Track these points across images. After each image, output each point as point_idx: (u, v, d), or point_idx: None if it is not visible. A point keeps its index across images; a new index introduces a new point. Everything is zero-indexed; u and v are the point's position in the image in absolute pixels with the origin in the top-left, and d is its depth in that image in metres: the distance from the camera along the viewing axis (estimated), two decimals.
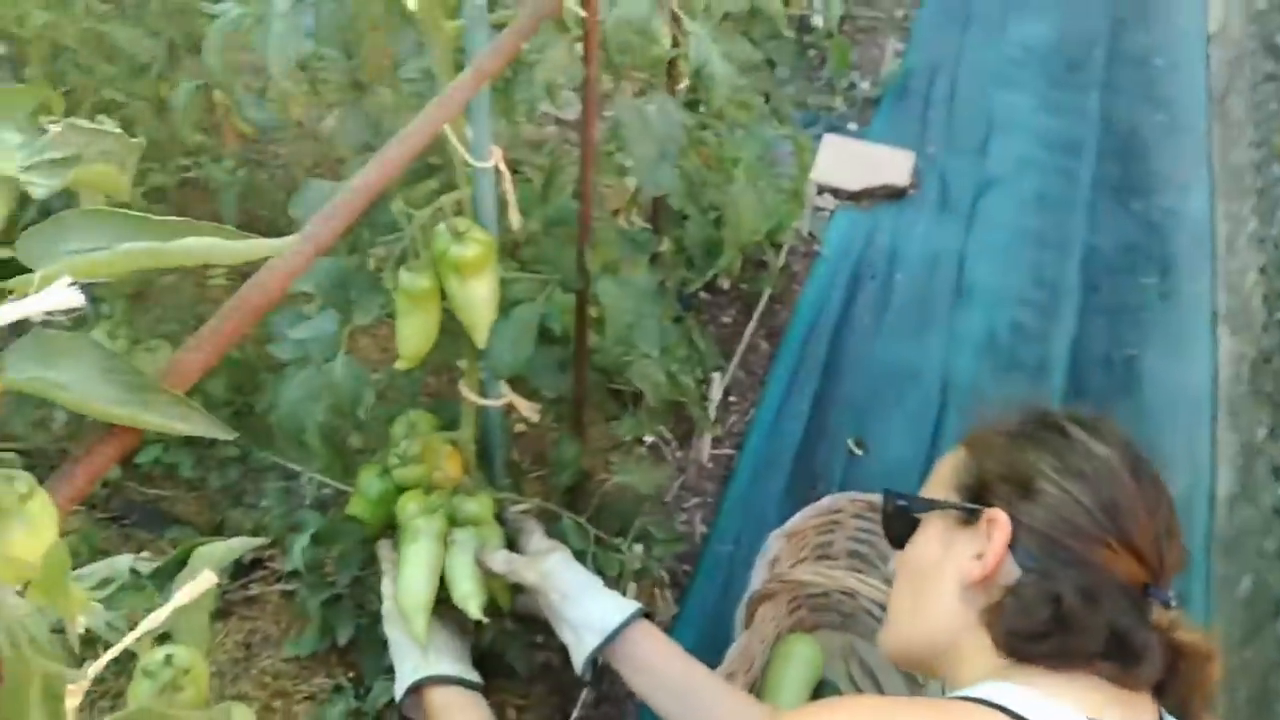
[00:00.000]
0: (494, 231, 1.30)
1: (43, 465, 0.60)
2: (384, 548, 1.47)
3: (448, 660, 1.34)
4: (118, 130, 0.71)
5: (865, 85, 3.32)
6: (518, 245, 1.60)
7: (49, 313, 0.62)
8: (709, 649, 1.44)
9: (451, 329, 1.34)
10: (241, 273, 0.80)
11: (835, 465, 2.16)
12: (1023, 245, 2.70)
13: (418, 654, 1.33)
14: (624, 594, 1.64)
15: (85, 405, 0.56)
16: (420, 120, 0.99)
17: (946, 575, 0.93)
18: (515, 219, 1.33)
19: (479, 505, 1.44)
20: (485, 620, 1.39)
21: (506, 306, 1.38)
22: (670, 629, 1.83)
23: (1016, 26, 3.58)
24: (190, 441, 1.94)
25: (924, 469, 1.07)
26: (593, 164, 1.33)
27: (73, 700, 0.57)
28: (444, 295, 1.30)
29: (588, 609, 1.30)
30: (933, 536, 0.97)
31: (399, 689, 1.32)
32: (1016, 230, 2.75)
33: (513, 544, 1.46)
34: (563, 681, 1.70)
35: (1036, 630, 0.86)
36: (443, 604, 1.39)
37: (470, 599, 1.37)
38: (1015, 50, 3.47)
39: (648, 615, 1.33)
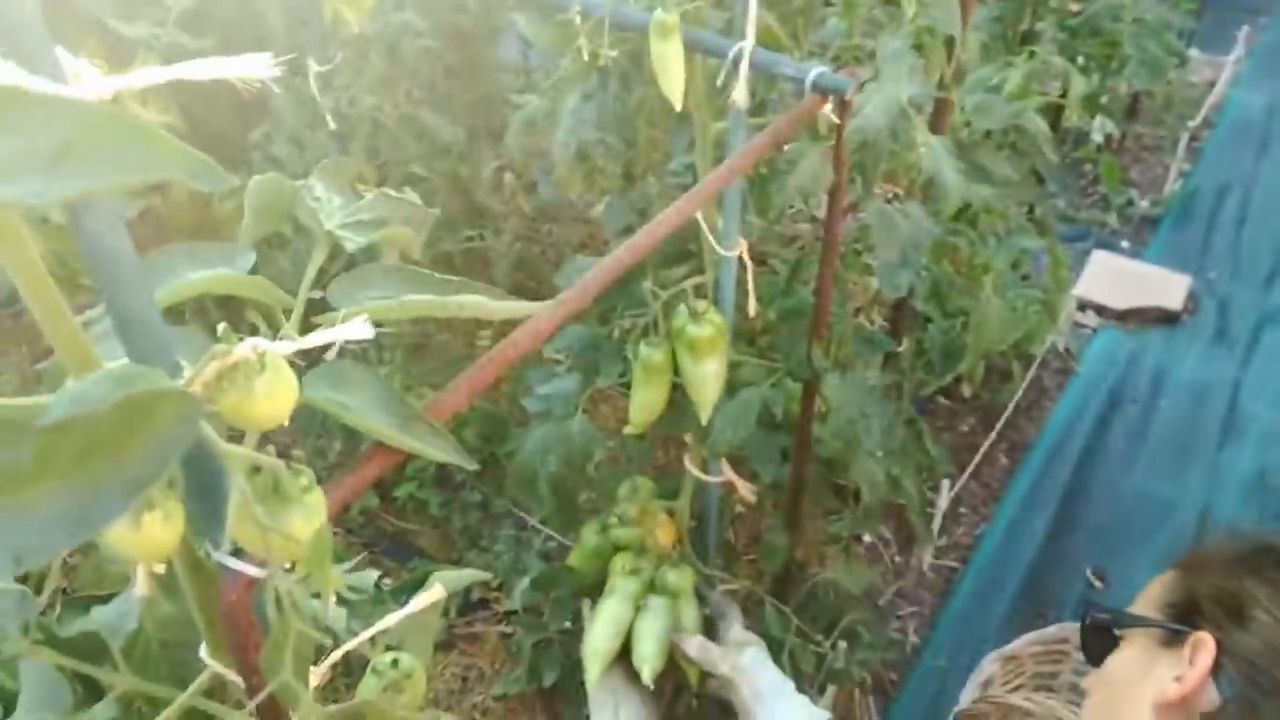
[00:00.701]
0: (730, 317, 1.37)
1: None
2: (587, 607, 1.54)
3: None
4: (418, 201, 0.84)
5: (1144, 204, 3.18)
6: (757, 333, 1.66)
7: (345, 346, 0.75)
8: None
9: (680, 404, 1.42)
10: (505, 336, 0.91)
11: (1069, 594, 2.05)
12: None
13: (610, 712, 1.38)
14: (822, 693, 1.63)
15: (361, 423, 0.67)
16: (672, 210, 1.08)
17: (1142, 698, 0.89)
18: (753, 307, 1.40)
19: (680, 577, 1.49)
20: (651, 687, 1.42)
21: (735, 388, 1.44)
22: None
23: None
24: (440, 482, 2.12)
25: None
26: (833, 264, 1.38)
27: (314, 680, 0.67)
28: (676, 371, 1.38)
29: (777, 713, 1.30)
30: (1132, 656, 0.94)
31: None
32: None
33: (710, 625, 1.49)
34: None
35: None
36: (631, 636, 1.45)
37: (645, 663, 1.41)
38: None
39: None
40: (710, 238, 1.31)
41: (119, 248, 0.53)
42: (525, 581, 1.60)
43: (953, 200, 1.38)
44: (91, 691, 0.89)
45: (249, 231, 0.79)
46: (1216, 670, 0.86)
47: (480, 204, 2.18)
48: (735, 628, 1.46)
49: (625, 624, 1.44)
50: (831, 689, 1.67)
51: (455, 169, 2.18)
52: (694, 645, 1.42)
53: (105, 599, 0.88)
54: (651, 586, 1.47)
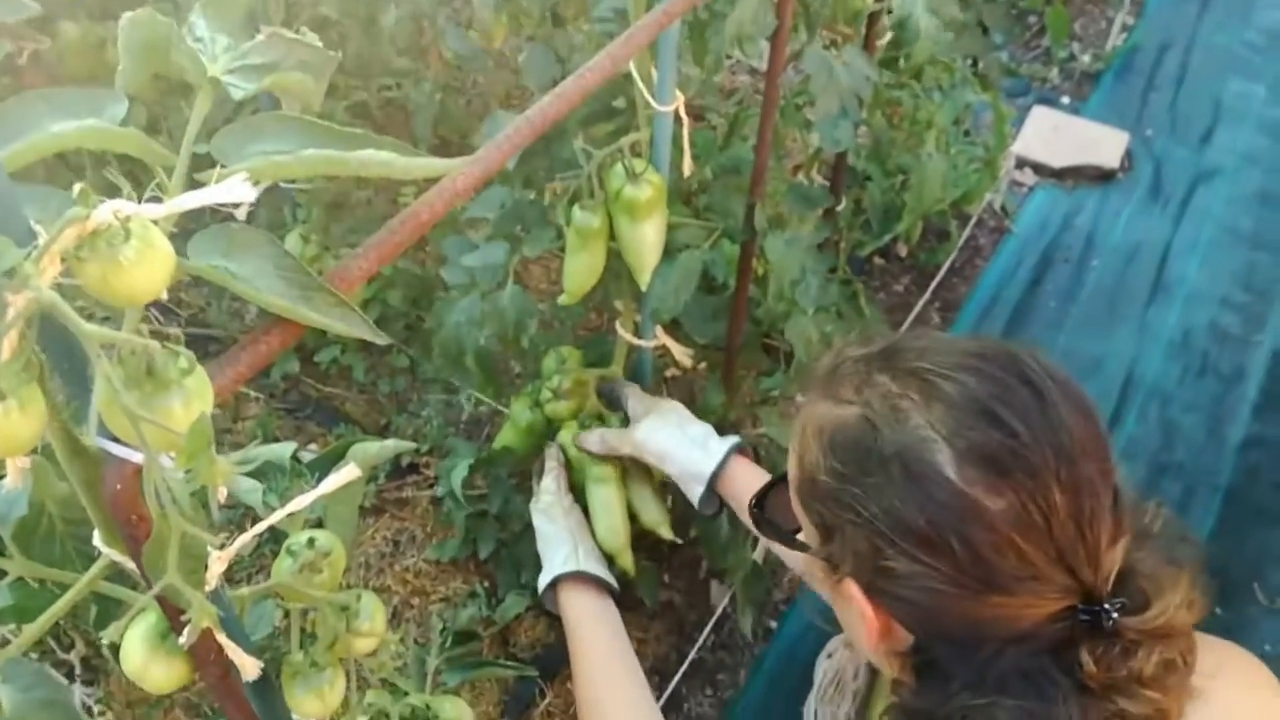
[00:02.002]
0: (667, 176, 1.30)
1: None
2: (552, 449, 1.50)
3: (596, 564, 1.37)
4: (317, 43, 0.75)
5: (1086, 58, 3.12)
6: (692, 193, 1.60)
7: (252, 206, 0.67)
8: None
9: (613, 268, 1.36)
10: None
11: None
12: (1235, 245, 2.50)
13: (570, 548, 1.36)
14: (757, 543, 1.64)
15: (254, 295, 0.60)
16: (601, 57, 1.00)
17: (860, 634, 0.79)
18: (688, 165, 1.34)
19: None
20: (679, 541, 1.51)
21: (673, 251, 1.39)
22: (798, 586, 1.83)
23: (1263, 11, 3.27)
24: (365, 347, 2.06)
25: None
26: (773, 116, 1.31)
27: (218, 566, 0.62)
28: (612, 235, 1.32)
29: (683, 464, 1.32)
30: (813, 563, 0.82)
31: (547, 576, 1.33)
32: (1230, 228, 2.54)
33: (620, 406, 1.50)
34: (684, 622, 1.73)
35: (936, 711, 0.73)
36: (589, 517, 1.45)
37: (660, 524, 1.51)
38: (1257, 36, 3.17)
39: (741, 450, 1.33)
40: (644, 90, 1.23)
41: None
42: (462, 468, 1.57)
43: (924, 47, 1.30)
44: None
45: (125, 76, 0.70)
46: (890, 610, 0.74)
47: (399, 49, 2.04)
48: (633, 401, 1.46)
49: (625, 504, 1.46)
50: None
51: (370, 10, 2.02)
52: (593, 441, 1.43)
53: None
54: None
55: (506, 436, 1.53)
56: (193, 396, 0.49)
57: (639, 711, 1.16)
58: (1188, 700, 0.73)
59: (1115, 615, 0.70)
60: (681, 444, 1.34)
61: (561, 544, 1.36)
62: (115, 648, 0.94)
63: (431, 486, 1.87)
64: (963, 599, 0.70)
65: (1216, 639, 0.83)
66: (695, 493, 1.32)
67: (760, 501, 1.00)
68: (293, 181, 1.84)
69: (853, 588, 0.76)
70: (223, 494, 0.50)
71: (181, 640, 0.54)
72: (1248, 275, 2.42)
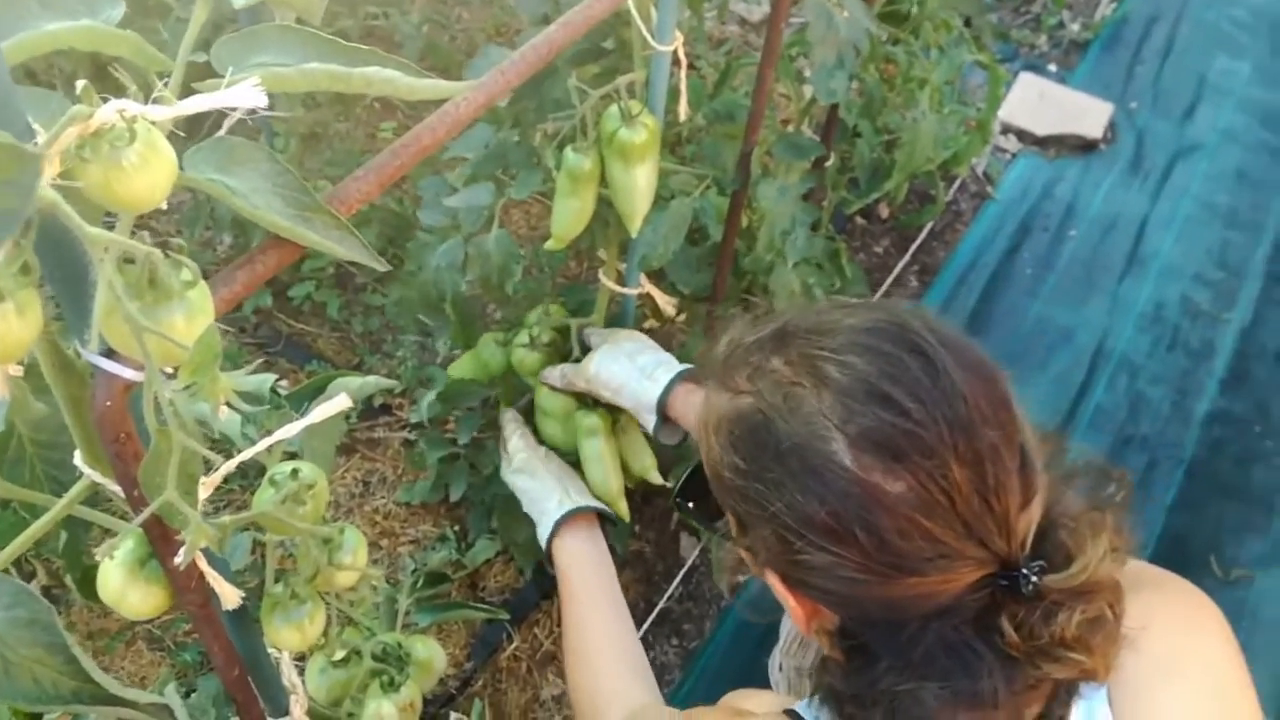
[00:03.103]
0: (662, 119, 1.28)
1: None
2: (508, 414, 1.49)
3: (588, 498, 1.35)
4: None
5: (1075, 27, 3.11)
6: (679, 141, 1.57)
7: (232, 130, 0.64)
8: None
9: (600, 214, 1.33)
10: (410, 129, 0.81)
11: None
12: (1211, 221, 2.52)
13: (560, 493, 1.34)
14: None
15: (252, 212, 0.58)
16: None
17: (781, 602, 0.79)
18: (684, 109, 1.31)
19: None
20: (668, 485, 1.49)
21: (662, 199, 1.37)
22: None
23: None
24: (340, 284, 2.02)
25: None
26: (774, 61, 1.28)
27: (203, 491, 0.60)
28: (603, 180, 1.29)
29: (635, 395, 1.29)
30: (739, 549, 0.82)
31: (547, 527, 1.29)
32: (1207, 204, 2.56)
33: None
34: (652, 573, 1.74)
35: (864, 695, 0.73)
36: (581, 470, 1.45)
37: (649, 470, 1.51)
38: (1244, 14, 3.18)
39: (693, 376, 1.30)
40: (643, 28, 1.20)
41: None
42: (432, 393, 1.54)
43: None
44: None
45: None
46: (812, 595, 0.74)
47: None
48: (594, 337, 1.44)
49: (617, 454, 1.45)
50: None
51: None
52: (554, 376, 1.42)
53: None
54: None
55: (464, 366, 1.51)
56: (195, 310, 0.47)
57: (628, 660, 1.16)
58: (1118, 652, 0.72)
59: (1035, 579, 0.68)
60: (631, 375, 1.31)
61: (550, 493, 1.34)
62: (80, 577, 0.92)
63: (404, 428, 1.85)
64: (877, 584, 0.69)
65: (1166, 574, 0.83)
66: (649, 423, 1.29)
67: (685, 488, 0.99)
68: (270, 109, 1.78)
69: (773, 577, 0.76)
70: (223, 412, 0.48)
71: (177, 560, 0.53)
72: (1221, 252, 2.44)
